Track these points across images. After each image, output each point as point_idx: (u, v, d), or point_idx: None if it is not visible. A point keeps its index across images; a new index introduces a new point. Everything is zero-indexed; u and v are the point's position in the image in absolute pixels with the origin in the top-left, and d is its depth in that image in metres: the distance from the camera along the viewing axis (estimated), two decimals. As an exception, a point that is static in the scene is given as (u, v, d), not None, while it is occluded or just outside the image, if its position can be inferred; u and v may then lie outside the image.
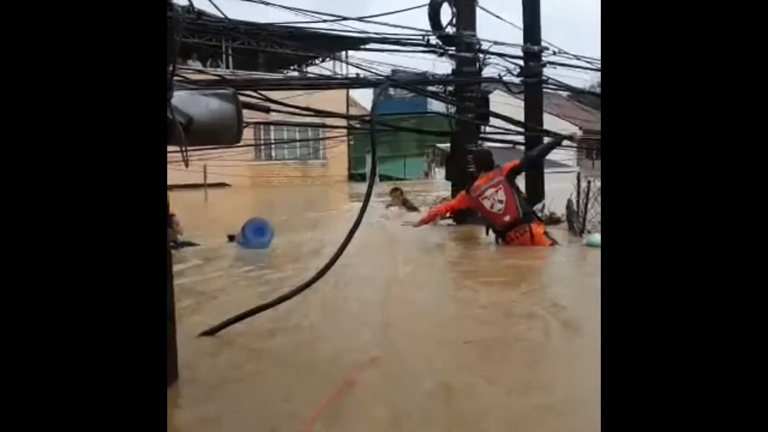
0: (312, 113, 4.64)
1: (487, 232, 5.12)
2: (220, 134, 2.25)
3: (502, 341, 2.41)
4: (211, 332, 2.33)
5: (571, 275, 4.22)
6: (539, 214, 6.21)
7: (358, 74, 7.28)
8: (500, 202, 4.82)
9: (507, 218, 4.80)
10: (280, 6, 5.84)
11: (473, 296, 3.26)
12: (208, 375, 1.94)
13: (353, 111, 18.40)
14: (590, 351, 1.67)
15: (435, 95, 6.32)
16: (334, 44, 7.80)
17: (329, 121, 8.32)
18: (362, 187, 17.73)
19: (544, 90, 9.32)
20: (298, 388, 1.85)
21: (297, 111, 4.83)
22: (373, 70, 6.56)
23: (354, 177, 20.41)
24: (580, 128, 22.52)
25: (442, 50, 6.34)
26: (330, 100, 12.47)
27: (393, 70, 9.79)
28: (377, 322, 2.65)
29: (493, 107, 6.67)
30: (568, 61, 7.40)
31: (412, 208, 7.79)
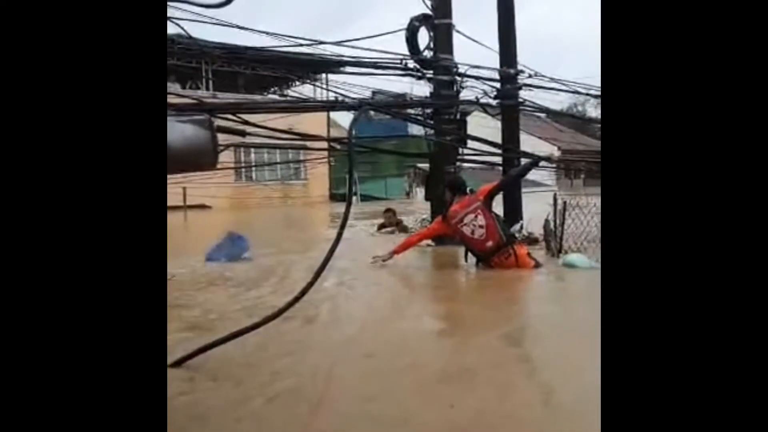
0: (290, 136, 4.65)
1: (466, 258, 5.00)
2: (197, 160, 2.26)
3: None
4: (177, 363, 2.24)
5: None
6: (517, 235, 6.30)
7: (337, 97, 7.34)
8: (481, 227, 4.74)
9: (490, 243, 4.73)
10: (259, 31, 5.90)
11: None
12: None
13: (334, 132, 18.48)
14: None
15: (411, 118, 6.37)
16: (315, 67, 7.86)
17: (311, 142, 8.36)
18: (343, 208, 17.79)
19: (523, 112, 9.51)
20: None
21: (274, 134, 4.83)
22: (353, 93, 6.64)
23: (335, 197, 20.43)
24: (559, 148, 22.99)
25: (420, 74, 6.43)
26: (311, 121, 12.54)
27: (373, 92, 9.89)
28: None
29: (472, 129, 6.76)
30: (544, 84, 7.57)
31: (405, 230, 7.72)
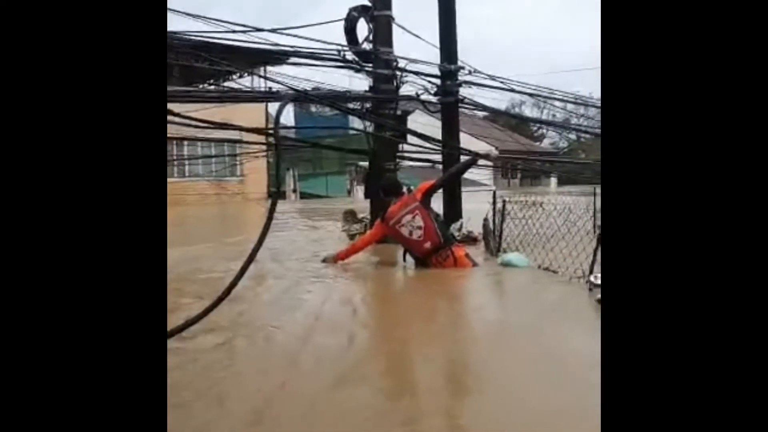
0: (214, 126, 4.30)
1: (404, 258, 4.88)
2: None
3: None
4: None
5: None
6: (457, 233, 6.23)
7: (278, 90, 6.99)
8: (419, 228, 4.62)
9: (428, 245, 4.62)
10: (185, 14, 5.48)
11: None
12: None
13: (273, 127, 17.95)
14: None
15: (350, 111, 6.13)
16: (251, 57, 7.45)
17: (247, 136, 7.94)
18: (285, 206, 17.39)
19: (462, 110, 9.51)
20: None
21: (200, 124, 4.46)
22: (294, 86, 6.32)
23: (273, 194, 19.91)
24: (497, 148, 23.40)
25: (358, 66, 6.21)
26: (248, 115, 12.00)
27: (314, 87, 9.58)
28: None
29: (415, 126, 6.61)
30: (483, 81, 7.55)
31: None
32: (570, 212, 5.00)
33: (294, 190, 20.08)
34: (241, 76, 15.72)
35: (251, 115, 13.68)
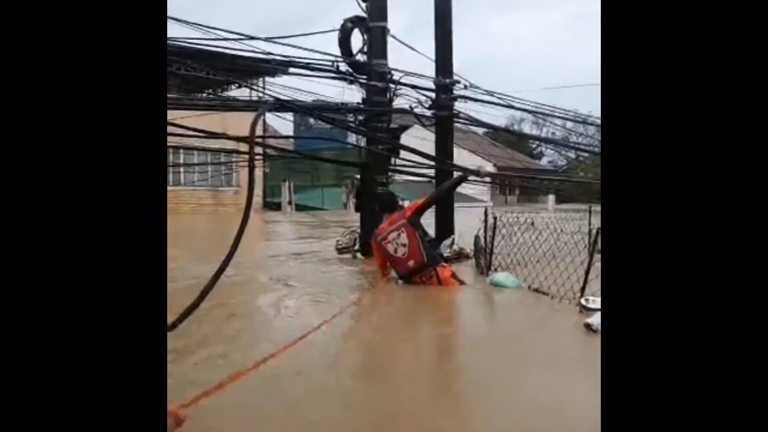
0: (202, 134, 4.20)
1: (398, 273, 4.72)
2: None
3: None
4: None
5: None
6: (448, 250, 6.09)
7: (268, 99, 6.88)
8: (403, 245, 4.51)
9: (411, 263, 4.51)
10: (178, 21, 5.40)
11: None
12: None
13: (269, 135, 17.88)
14: None
15: (335, 123, 5.99)
16: (248, 69, 7.36)
17: (243, 145, 7.78)
18: (278, 216, 17.29)
19: (460, 126, 9.42)
20: None
21: (188, 132, 4.36)
22: (294, 98, 6.23)
23: (269, 205, 19.74)
24: (495, 164, 23.40)
25: (351, 78, 6.12)
26: (244, 124, 11.87)
27: (315, 100, 9.53)
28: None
29: (411, 140, 6.52)
30: (480, 96, 7.46)
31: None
32: (561, 232, 4.87)
33: (289, 202, 19.92)
34: (240, 86, 15.70)
35: (248, 124, 13.57)
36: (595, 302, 3.47)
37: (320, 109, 5.61)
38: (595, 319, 3.10)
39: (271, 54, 5.74)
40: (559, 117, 12.76)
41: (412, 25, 7.23)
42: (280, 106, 5.22)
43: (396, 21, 6.29)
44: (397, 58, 6.38)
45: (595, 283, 3.71)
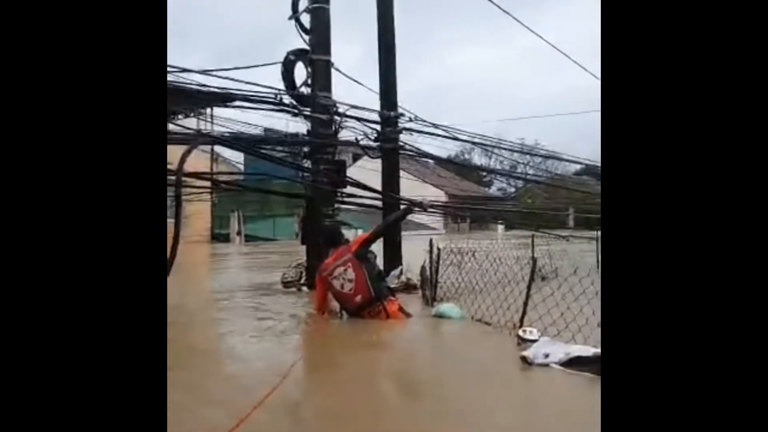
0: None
1: (341, 313, 4.68)
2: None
3: None
4: None
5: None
6: (396, 281, 6.08)
7: (223, 134, 6.78)
8: (350, 281, 4.45)
9: (358, 298, 4.44)
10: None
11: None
12: None
13: (221, 167, 17.59)
14: None
15: (265, 157, 5.81)
16: (183, 99, 7.24)
17: (189, 179, 7.57)
18: (226, 248, 16.84)
19: (411, 157, 9.53)
20: None
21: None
22: (245, 129, 6.15)
23: (217, 237, 19.26)
24: (445, 193, 23.79)
25: (296, 110, 6.12)
26: (194, 155, 11.61)
27: (265, 129, 9.45)
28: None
29: (363, 172, 6.53)
30: (425, 129, 7.59)
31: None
32: (500, 262, 4.95)
33: (238, 233, 19.51)
34: (186, 116, 15.41)
35: (197, 155, 13.33)
36: (532, 333, 3.52)
37: (259, 143, 5.55)
38: (531, 352, 3.13)
39: (207, 86, 5.66)
40: (505, 148, 13.19)
41: (366, 58, 7.31)
42: (215, 140, 5.14)
43: (351, 54, 6.37)
44: (346, 91, 6.45)
45: (533, 313, 3.77)
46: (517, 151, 13.57)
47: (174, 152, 7.93)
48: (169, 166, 5.27)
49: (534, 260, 4.19)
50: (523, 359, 3.04)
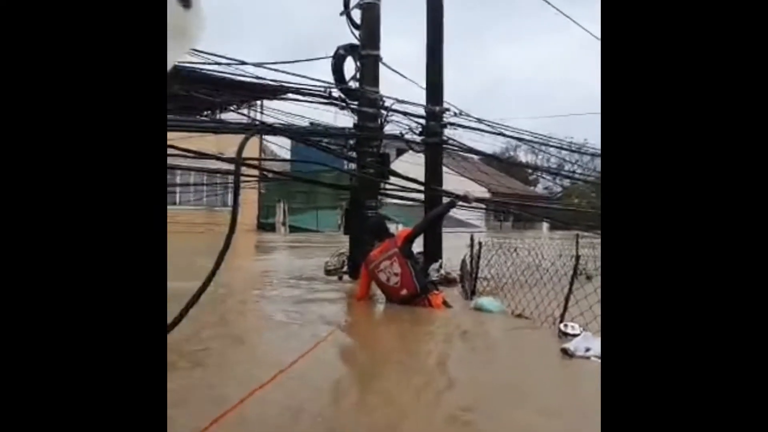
0: (195, 155, 4.29)
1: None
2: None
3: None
4: None
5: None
6: (435, 274, 6.15)
7: (272, 124, 7.03)
8: (396, 275, 4.59)
9: (404, 292, 4.59)
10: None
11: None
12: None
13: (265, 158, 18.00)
14: None
15: (326, 148, 6.09)
16: (240, 92, 7.51)
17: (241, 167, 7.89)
18: (271, 237, 17.31)
19: (454, 153, 9.54)
20: None
21: (187, 154, 4.45)
22: (293, 121, 6.35)
23: (263, 226, 19.78)
24: (488, 190, 23.55)
25: (344, 103, 6.26)
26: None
27: (311, 123, 9.68)
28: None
29: (405, 165, 6.63)
30: (469, 124, 7.61)
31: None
32: (543, 258, 4.95)
33: (283, 223, 19.97)
34: (238, 109, 15.88)
35: (246, 146, 13.70)
36: (574, 328, 3.54)
37: (310, 134, 5.72)
38: (572, 344, 3.16)
39: (263, 79, 5.88)
40: (552, 146, 12.99)
41: (416, 52, 7.37)
42: (270, 129, 5.33)
43: (406, 46, 6.47)
44: (392, 83, 6.53)
45: (575, 309, 3.78)
46: (564, 149, 13.33)
47: (229, 141, 8.23)
48: (221, 155, 5.52)
49: (577, 257, 4.19)
50: (564, 351, 3.08)
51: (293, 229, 19.78)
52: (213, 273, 2.41)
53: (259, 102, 13.11)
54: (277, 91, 6.05)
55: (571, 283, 3.99)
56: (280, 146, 18.42)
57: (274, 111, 7.23)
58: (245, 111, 14.73)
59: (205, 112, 19.65)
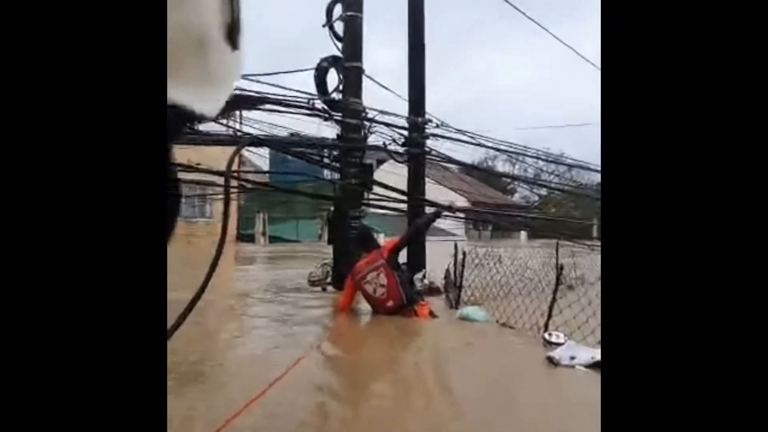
0: (181, 168, 4.25)
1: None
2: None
3: None
4: None
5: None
6: (419, 284, 6.18)
7: (245, 134, 6.99)
8: (382, 286, 4.61)
9: (390, 303, 4.61)
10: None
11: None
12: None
13: (248, 169, 17.89)
14: None
15: (304, 157, 6.09)
16: (230, 104, 7.47)
17: (220, 178, 7.80)
18: (253, 249, 17.17)
19: (434, 163, 9.61)
20: None
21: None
22: (271, 133, 6.33)
23: (242, 237, 19.60)
24: (468, 200, 23.79)
25: (327, 115, 6.28)
26: (221, 157, 11.90)
27: (291, 134, 9.67)
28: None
29: (388, 176, 6.66)
30: (451, 135, 7.70)
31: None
32: (527, 268, 5.01)
33: (263, 234, 19.82)
34: (216, 120, 15.75)
35: (224, 157, 13.57)
36: (558, 337, 3.60)
37: (295, 145, 5.72)
38: (557, 353, 3.22)
39: (244, 90, 5.87)
40: (529, 156, 13.19)
41: (398, 62, 7.46)
42: (258, 141, 5.32)
43: (383, 58, 6.52)
44: (373, 95, 6.58)
45: (558, 318, 3.84)
46: (542, 159, 13.55)
47: (208, 152, 8.16)
48: (201, 166, 5.46)
49: (560, 267, 4.26)
50: (549, 360, 3.12)
51: (273, 239, 19.65)
52: (206, 282, 2.40)
53: (238, 113, 13.11)
54: (258, 102, 6.04)
55: (555, 292, 4.05)
56: (260, 155, 18.38)
57: (255, 122, 7.24)
58: (225, 121, 14.66)
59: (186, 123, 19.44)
